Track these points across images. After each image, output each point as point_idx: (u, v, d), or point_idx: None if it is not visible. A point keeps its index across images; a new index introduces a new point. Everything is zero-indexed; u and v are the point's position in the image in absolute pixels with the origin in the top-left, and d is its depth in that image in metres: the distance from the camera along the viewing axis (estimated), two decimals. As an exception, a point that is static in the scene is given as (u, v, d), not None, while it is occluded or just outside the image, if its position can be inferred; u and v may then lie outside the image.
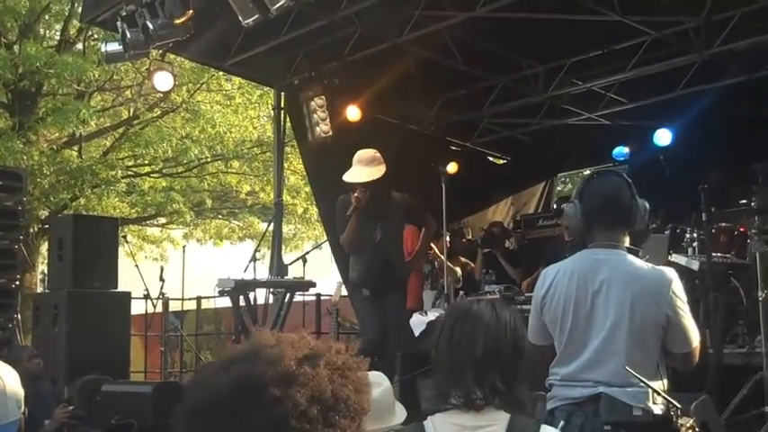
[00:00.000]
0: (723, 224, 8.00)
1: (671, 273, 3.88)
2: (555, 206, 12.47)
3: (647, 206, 3.98)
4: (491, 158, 14.90)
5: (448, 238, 9.50)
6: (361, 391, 1.68)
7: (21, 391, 2.44)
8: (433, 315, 8.83)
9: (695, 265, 7.43)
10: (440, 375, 2.98)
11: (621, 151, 12.66)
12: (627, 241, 3.95)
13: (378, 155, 7.90)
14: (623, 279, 3.81)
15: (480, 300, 3.45)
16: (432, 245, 9.77)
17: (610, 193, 3.97)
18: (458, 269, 10.52)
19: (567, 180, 23.87)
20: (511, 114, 12.96)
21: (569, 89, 11.64)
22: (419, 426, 2.89)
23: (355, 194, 7.79)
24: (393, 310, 8.17)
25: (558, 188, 17.50)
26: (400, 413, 3.53)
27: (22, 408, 2.42)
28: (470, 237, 11.90)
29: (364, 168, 7.85)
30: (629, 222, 3.94)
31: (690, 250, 7.80)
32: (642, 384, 3.58)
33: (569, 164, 15.38)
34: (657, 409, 3.66)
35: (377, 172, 7.84)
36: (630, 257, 3.90)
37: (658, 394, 3.58)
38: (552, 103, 12.19)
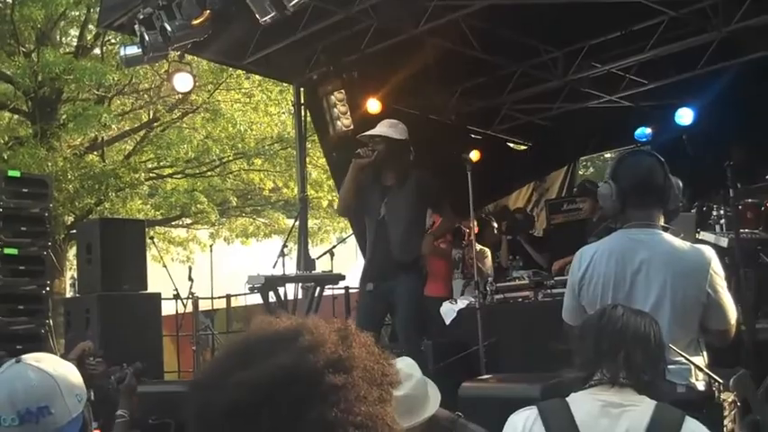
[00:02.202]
0: (750, 200, 7.95)
1: (710, 251, 3.89)
2: (576, 189, 12.44)
3: (681, 184, 3.98)
4: (512, 145, 14.89)
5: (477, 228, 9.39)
6: (391, 363, 1.57)
7: (79, 383, 2.44)
8: (462, 303, 8.84)
9: (724, 242, 7.38)
10: (585, 356, 2.98)
11: (644, 132, 12.62)
12: (662, 220, 3.95)
13: (402, 125, 7.38)
14: (663, 259, 3.82)
15: None
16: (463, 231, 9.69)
17: (644, 173, 3.97)
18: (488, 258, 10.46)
19: (589, 164, 23.85)
20: (531, 100, 12.93)
21: (589, 72, 11.64)
22: (562, 402, 2.88)
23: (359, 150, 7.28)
24: (401, 298, 7.20)
25: (580, 172, 17.48)
26: (434, 399, 3.40)
27: (83, 400, 2.42)
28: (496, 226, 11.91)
29: (380, 127, 7.36)
30: (663, 201, 3.94)
31: (717, 227, 7.75)
32: (684, 362, 3.59)
33: (591, 147, 15.34)
34: (700, 385, 3.69)
35: (391, 132, 7.25)
36: (668, 236, 3.91)
37: (701, 370, 3.59)
38: (572, 87, 12.19)
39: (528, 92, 12.40)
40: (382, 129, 7.32)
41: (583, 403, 2.86)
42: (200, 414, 1.44)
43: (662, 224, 3.94)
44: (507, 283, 9.03)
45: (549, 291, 8.30)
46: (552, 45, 11.37)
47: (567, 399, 2.90)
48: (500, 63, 11.76)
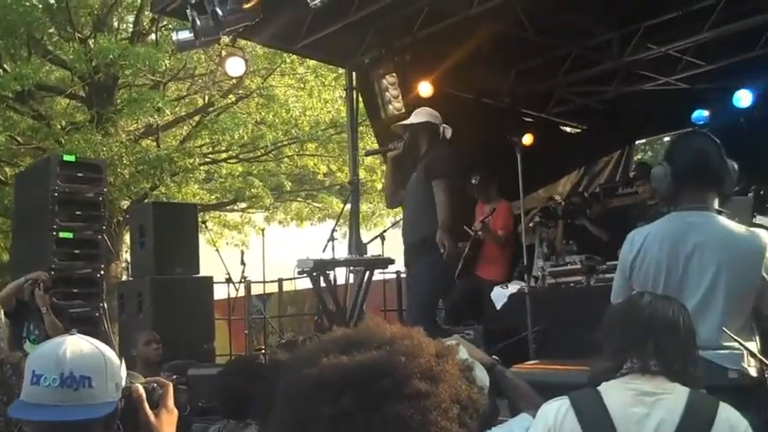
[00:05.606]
0: (809, 184, 7.77)
1: (766, 235, 3.78)
2: (633, 173, 12.26)
3: (737, 167, 3.89)
4: (566, 129, 14.71)
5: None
6: (482, 393, 1.70)
7: (121, 375, 2.45)
8: (514, 288, 8.76)
9: (781, 227, 7.23)
10: (614, 345, 2.93)
11: (701, 115, 12.44)
12: (716, 203, 3.86)
13: (428, 109, 7.28)
14: (717, 242, 3.73)
15: None
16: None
17: (699, 155, 3.89)
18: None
19: (647, 147, 23.50)
20: (586, 82, 12.76)
21: (645, 54, 11.42)
22: (594, 391, 2.83)
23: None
24: (412, 283, 7.21)
25: (638, 156, 17.22)
26: (482, 383, 3.22)
27: (120, 391, 2.42)
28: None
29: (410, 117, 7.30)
30: (718, 184, 3.86)
31: (775, 212, 7.59)
32: (737, 347, 3.51)
33: (648, 131, 15.11)
34: (753, 371, 3.59)
35: (412, 118, 7.19)
36: (722, 220, 3.83)
37: (754, 356, 3.51)
38: (628, 69, 12.00)
39: (583, 74, 12.23)
40: (409, 118, 7.29)
41: (615, 392, 2.80)
42: (292, 383, 1.60)
43: (716, 208, 3.85)
44: (559, 268, 8.92)
45: (601, 276, 8.19)
46: (608, 26, 11.19)
47: (598, 388, 2.84)
48: (555, 44, 11.59)
